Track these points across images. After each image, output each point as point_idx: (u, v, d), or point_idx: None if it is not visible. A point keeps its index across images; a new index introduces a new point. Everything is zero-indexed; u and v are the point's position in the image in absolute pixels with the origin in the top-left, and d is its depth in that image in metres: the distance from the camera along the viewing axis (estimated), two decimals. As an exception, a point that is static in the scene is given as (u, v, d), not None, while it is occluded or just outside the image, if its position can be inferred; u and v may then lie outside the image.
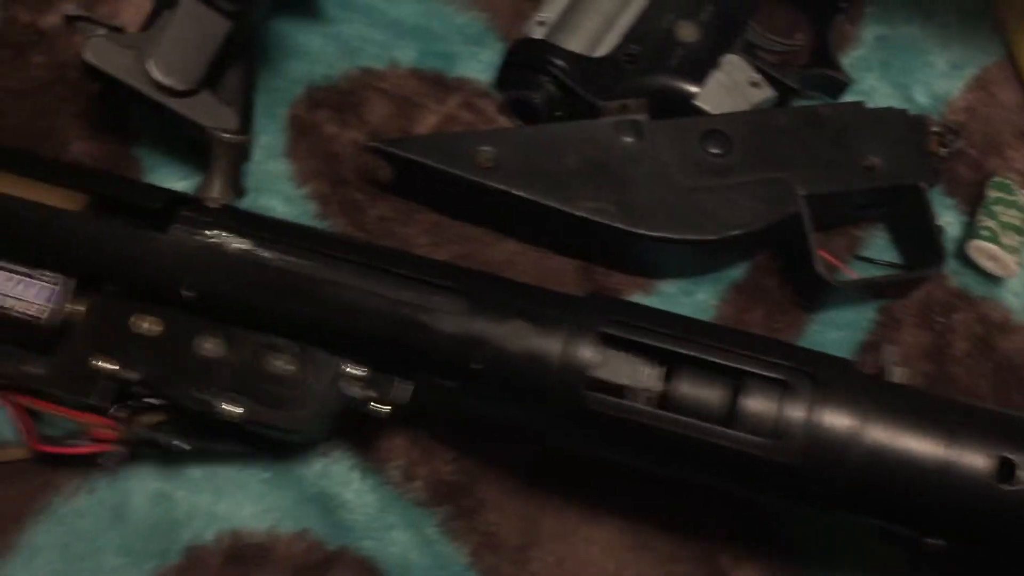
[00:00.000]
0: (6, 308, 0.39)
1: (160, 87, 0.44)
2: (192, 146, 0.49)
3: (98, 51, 0.44)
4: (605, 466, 0.42)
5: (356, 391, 0.40)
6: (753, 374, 0.38)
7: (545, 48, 0.53)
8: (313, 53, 0.54)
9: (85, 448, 0.40)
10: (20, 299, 0.39)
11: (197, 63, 0.45)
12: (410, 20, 0.56)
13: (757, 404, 0.38)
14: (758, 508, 0.46)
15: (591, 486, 0.45)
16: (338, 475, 0.44)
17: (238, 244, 0.40)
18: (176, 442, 0.41)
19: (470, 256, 0.50)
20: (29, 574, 0.42)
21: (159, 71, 0.44)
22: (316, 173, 0.50)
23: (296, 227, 0.43)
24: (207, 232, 0.40)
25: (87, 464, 0.42)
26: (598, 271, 0.51)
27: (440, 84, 0.55)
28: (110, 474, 0.42)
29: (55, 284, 0.40)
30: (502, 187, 0.48)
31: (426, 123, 0.53)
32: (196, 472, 0.43)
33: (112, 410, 0.40)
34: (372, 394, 0.40)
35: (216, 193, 0.41)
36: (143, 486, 0.43)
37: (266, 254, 0.40)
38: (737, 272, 0.52)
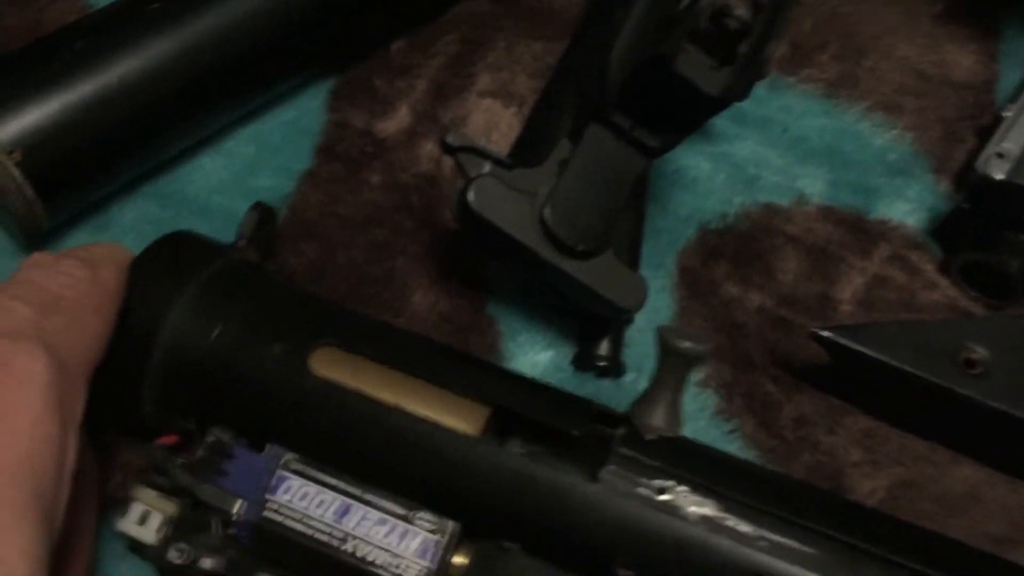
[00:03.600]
0: (374, 565, 0.28)
1: (558, 245, 0.33)
2: (559, 309, 0.38)
3: (485, 195, 0.33)
4: None
5: None
6: None
7: (1021, 195, 0.39)
8: (701, 181, 0.41)
9: None
10: (393, 553, 0.28)
11: (602, 215, 0.34)
12: (815, 139, 0.43)
13: None
14: None
15: None
16: None
17: (698, 508, 0.28)
18: None
19: (917, 483, 0.37)
20: None
21: (557, 225, 0.33)
22: (715, 350, 0.38)
23: (768, 475, 0.31)
24: (654, 483, 0.28)
25: None
26: (1089, 514, 0.37)
27: (860, 229, 0.41)
28: None
29: (439, 535, 0.29)
30: (998, 405, 0.34)
31: (850, 284, 0.40)
32: None
33: None
34: None
35: (659, 422, 0.29)
36: None
37: (742, 527, 0.27)
38: None
